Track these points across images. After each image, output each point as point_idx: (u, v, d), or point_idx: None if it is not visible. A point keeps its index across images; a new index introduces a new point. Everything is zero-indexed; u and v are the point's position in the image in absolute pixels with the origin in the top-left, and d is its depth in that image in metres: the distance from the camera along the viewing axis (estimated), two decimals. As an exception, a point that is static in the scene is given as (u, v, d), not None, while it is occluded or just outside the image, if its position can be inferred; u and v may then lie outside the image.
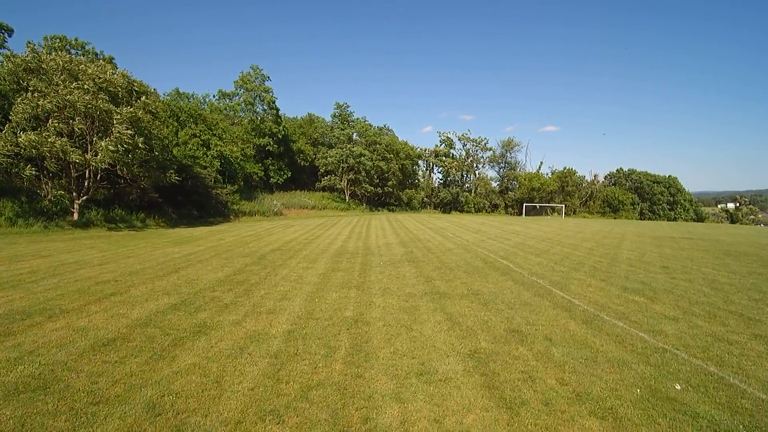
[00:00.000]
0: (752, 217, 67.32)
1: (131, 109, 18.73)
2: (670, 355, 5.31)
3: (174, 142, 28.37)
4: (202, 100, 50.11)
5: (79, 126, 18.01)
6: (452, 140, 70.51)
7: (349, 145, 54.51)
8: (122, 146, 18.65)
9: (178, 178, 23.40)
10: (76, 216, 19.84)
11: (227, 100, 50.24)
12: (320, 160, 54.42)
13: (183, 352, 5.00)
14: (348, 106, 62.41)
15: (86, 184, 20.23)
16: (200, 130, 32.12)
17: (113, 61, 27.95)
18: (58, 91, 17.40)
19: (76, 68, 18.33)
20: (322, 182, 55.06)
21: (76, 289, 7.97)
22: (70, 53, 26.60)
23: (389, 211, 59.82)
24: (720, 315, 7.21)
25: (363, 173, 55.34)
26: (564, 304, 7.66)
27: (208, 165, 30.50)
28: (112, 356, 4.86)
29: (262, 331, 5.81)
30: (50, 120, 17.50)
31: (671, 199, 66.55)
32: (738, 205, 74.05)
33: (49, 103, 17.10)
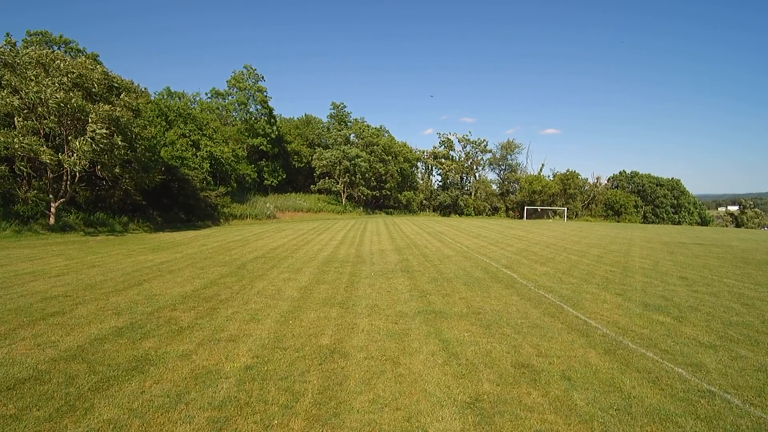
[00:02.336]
0: (757, 220, 66.22)
1: (108, 107, 17.58)
2: (720, 401, 4.24)
3: (161, 143, 27.23)
4: (192, 99, 48.86)
5: (50, 125, 16.87)
6: (452, 141, 69.57)
7: (345, 147, 53.27)
8: (98, 146, 17.51)
9: (162, 177, 22.27)
10: (52, 220, 18.71)
11: (220, 99, 49.09)
12: (316, 161, 53.14)
13: (103, 401, 3.91)
14: (345, 106, 61.57)
15: (63, 186, 19.11)
16: (189, 130, 30.95)
17: (98, 58, 26.86)
18: (29, 87, 16.28)
19: (50, 63, 17.21)
20: (318, 184, 53.76)
21: (14, 308, 6.88)
22: (53, 50, 25.58)
23: (387, 214, 58.71)
24: (763, 341, 6.15)
25: (359, 175, 54.14)
26: (579, 327, 6.58)
27: (197, 166, 29.32)
28: (11, 407, 3.78)
29: (213, 367, 4.71)
30: (18, 118, 16.34)
31: (675, 202, 65.43)
32: (742, 208, 72.88)
33: (18, 99, 15.99)
